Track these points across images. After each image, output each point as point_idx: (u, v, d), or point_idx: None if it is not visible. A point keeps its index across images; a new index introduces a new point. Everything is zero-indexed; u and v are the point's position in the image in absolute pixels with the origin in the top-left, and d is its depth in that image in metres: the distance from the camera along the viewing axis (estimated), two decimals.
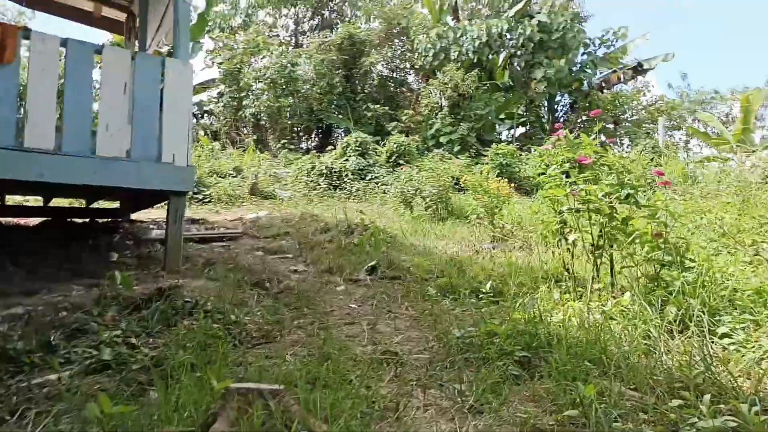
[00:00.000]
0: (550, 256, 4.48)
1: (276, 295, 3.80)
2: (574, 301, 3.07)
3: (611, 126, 20.58)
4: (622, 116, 21.66)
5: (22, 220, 6.04)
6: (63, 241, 5.03)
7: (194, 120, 23.84)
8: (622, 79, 19.94)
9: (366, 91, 20.48)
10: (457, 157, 16.09)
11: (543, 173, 3.38)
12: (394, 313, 3.37)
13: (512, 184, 11.29)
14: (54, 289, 3.41)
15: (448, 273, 4.06)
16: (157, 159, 4.02)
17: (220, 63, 21.28)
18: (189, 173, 4.15)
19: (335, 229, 6.04)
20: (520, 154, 14.37)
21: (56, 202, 7.11)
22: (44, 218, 5.97)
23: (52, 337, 2.49)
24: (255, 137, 21.89)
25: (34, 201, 7.01)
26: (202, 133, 21.65)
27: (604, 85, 20.07)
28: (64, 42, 3.65)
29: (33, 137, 3.45)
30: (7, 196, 5.88)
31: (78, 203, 7.43)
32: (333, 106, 19.55)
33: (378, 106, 18.49)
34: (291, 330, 2.95)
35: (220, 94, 22.75)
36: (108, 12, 7.03)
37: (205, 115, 24.36)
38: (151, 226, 6.33)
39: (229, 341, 2.76)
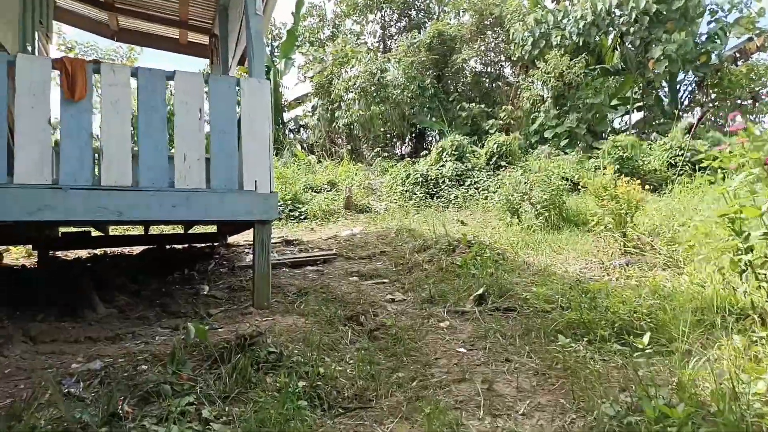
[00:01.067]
0: (708, 278, 3.55)
1: (371, 333, 3.35)
2: None
3: (748, 103, 17.83)
4: (761, 90, 18.69)
5: (126, 249, 6.25)
6: (160, 270, 5.03)
7: (291, 135, 24.75)
8: (760, 47, 17.16)
9: (459, 90, 19.76)
10: (565, 152, 14.81)
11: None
12: (514, 363, 2.74)
13: (636, 180, 9.95)
14: (139, 334, 3.24)
15: (576, 304, 3.33)
16: (238, 188, 3.76)
17: (311, 77, 21.80)
18: (272, 200, 3.85)
19: (434, 247, 5.50)
20: (641, 144, 12.75)
21: (158, 228, 7.35)
22: (146, 246, 6.12)
23: (121, 406, 2.22)
24: (349, 147, 22.12)
25: (137, 229, 7.30)
26: (299, 147, 22.30)
27: (738, 56, 17.42)
28: (135, 71, 3.52)
29: (109, 174, 3.33)
30: (111, 227, 6.08)
31: (179, 228, 7.63)
32: (425, 109, 19.08)
33: (473, 104, 17.68)
34: (388, 390, 2.45)
35: (314, 108, 23.34)
36: (193, 37, 7.15)
37: (301, 129, 25.17)
38: (246, 250, 6.24)
39: (317, 405, 2.34)
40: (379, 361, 2.86)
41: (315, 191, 11.06)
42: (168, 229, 7.40)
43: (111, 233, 6.16)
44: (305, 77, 23.65)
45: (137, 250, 6.22)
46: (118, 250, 6.21)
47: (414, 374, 2.63)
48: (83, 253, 5.97)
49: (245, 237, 7.96)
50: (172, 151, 3.63)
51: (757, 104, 17.99)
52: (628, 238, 4.84)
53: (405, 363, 2.80)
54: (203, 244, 6.42)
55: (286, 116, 25.61)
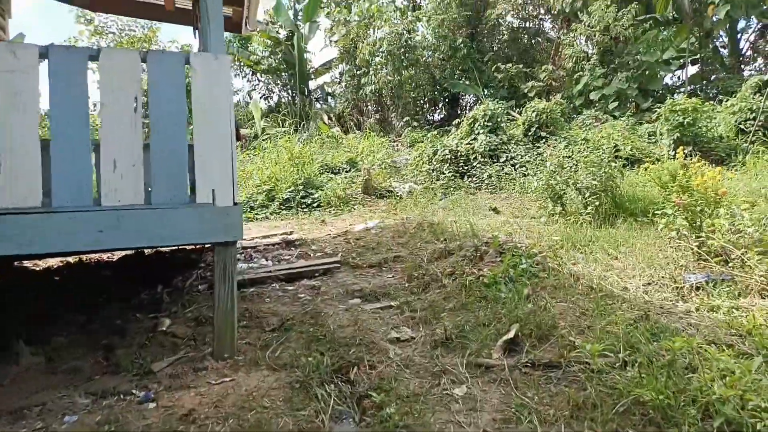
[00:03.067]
0: None
1: (360, 402, 2.52)
2: None
3: None
4: None
5: (106, 255, 5.59)
6: (128, 288, 4.32)
7: (317, 104, 23.80)
8: None
9: (494, 49, 18.27)
10: (614, 117, 13.39)
11: None
12: None
13: (696, 152, 8.59)
14: (49, 408, 2.50)
15: (649, 378, 2.36)
16: (189, 201, 2.92)
17: (336, 41, 20.67)
18: (235, 215, 2.99)
19: (458, 253, 4.57)
20: (703, 106, 11.06)
21: None
22: (127, 250, 5.43)
23: None
24: (377, 117, 21.03)
25: None
26: (325, 118, 21.37)
27: None
28: (45, 51, 2.67)
29: (11, 194, 2.54)
30: None
31: None
32: (458, 71, 17.74)
33: (510, 65, 16.25)
34: None
35: (341, 74, 22.27)
36: (182, 2, 6.25)
37: (329, 98, 24.15)
38: (249, 252, 5.49)
39: None
40: None
41: (333, 171, 10.19)
42: None
43: None
44: (331, 41, 22.49)
45: (118, 254, 5.56)
46: (95, 256, 5.55)
47: None
48: (54, 262, 5.34)
49: (258, 228, 7.22)
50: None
51: None
52: (706, 247, 3.76)
53: None
54: (192, 246, 5.69)
55: (312, 84, 24.66)
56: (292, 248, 5.63)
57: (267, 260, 5.24)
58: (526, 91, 15.66)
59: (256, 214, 8.12)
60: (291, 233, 6.55)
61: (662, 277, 3.91)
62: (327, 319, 3.58)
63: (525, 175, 8.91)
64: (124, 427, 2.27)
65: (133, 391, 2.62)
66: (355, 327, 3.42)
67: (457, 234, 5.29)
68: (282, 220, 7.86)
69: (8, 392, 2.67)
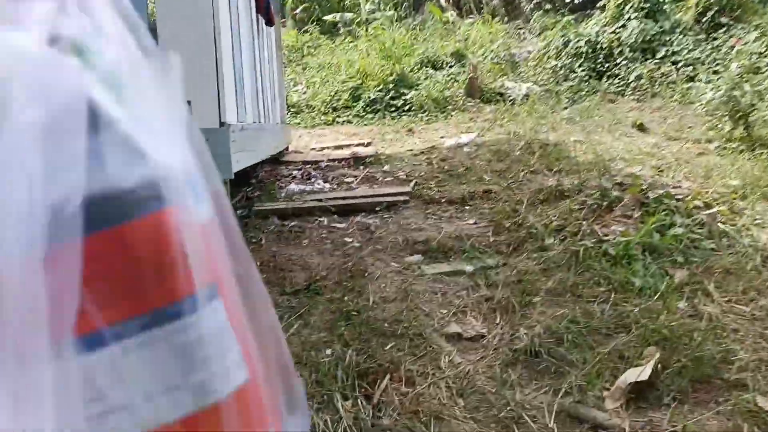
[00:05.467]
0: None
1: None
2: None
3: None
4: None
5: None
6: None
7: None
8: None
9: None
10: None
11: None
12: None
13: None
14: None
15: None
16: None
17: None
18: (221, 143, 2.08)
19: (576, 196, 3.34)
20: None
21: None
22: None
23: None
24: None
25: None
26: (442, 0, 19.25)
27: None
28: None
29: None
30: None
31: None
32: None
33: None
34: None
35: None
36: None
37: None
38: (298, 173, 4.70)
39: None
40: None
41: (435, 66, 8.82)
42: None
43: None
44: None
45: None
46: None
47: None
48: None
49: (335, 135, 6.41)
50: None
51: None
52: None
53: None
54: None
55: None
56: (361, 167, 4.70)
57: (326, 182, 4.39)
58: None
59: (337, 116, 7.23)
60: (368, 144, 5.61)
61: None
62: (370, 283, 2.69)
63: (691, 79, 6.87)
64: None
65: None
66: (403, 303, 2.49)
67: (579, 164, 3.98)
68: (365, 125, 6.90)
69: None
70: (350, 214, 3.68)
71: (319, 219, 3.61)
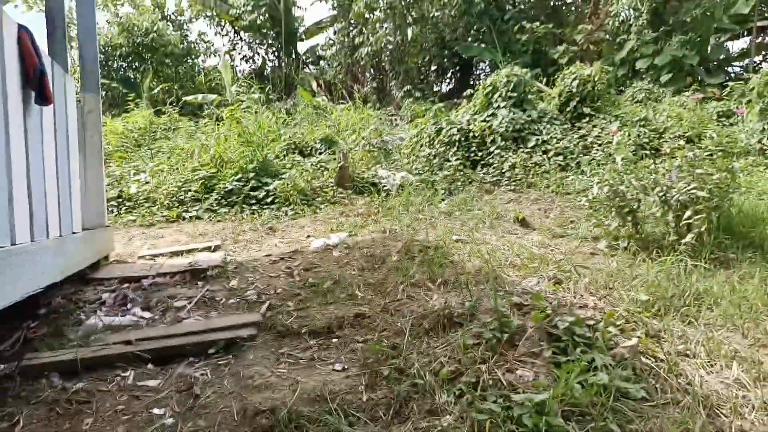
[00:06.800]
0: None
1: None
2: None
3: None
4: None
5: None
6: None
7: (306, 68, 21.75)
8: None
9: (517, 4, 16.16)
10: (663, 89, 11.45)
11: None
12: None
13: None
14: None
15: None
16: None
17: None
18: None
19: (469, 325, 2.69)
20: None
21: None
22: None
23: None
24: (375, 85, 19.05)
25: None
26: (314, 85, 19.37)
27: None
28: None
29: None
30: None
31: None
32: (473, 32, 15.69)
33: (537, 24, 14.15)
34: None
35: (335, 33, 20.30)
36: None
37: (321, 62, 22.13)
38: (111, 297, 3.61)
39: None
40: None
41: (302, 153, 8.24)
42: None
43: None
44: None
45: None
46: None
47: None
48: None
49: (176, 236, 5.35)
50: None
51: None
52: None
53: None
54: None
55: (302, 47, 22.64)
56: (199, 282, 3.74)
57: (146, 309, 3.36)
58: (556, 56, 13.62)
59: (185, 210, 6.21)
60: (215, 249, 4.68)
61: None
62: None
63: (563, 168, 6.95)
64: None
65: None
66: None
67: (465, 272, 3.40)
68: (219, 221, 5.96)
69: None
70: (171, 360, 2.70)
71: (123, 375, 2.58)
